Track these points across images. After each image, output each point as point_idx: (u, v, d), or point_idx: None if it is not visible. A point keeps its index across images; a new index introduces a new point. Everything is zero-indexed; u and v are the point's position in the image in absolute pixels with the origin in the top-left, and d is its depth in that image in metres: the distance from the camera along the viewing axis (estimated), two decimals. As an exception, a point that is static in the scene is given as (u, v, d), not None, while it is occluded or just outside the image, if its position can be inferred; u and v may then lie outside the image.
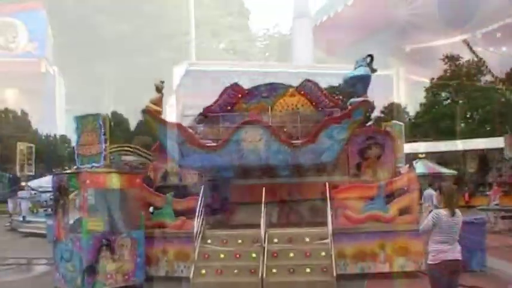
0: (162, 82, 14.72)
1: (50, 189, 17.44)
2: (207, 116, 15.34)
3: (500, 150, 32.08)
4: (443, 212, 7.51)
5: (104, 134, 12.93)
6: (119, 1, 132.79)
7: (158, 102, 14.50)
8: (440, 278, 7.46)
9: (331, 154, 13.46)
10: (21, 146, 32.84)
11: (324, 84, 26.52)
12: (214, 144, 14.11)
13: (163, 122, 14.06)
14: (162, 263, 13.19)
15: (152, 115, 14.02)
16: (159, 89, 14.57)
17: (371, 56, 14.27)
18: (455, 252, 7.51)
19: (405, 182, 13.08)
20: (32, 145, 34.57)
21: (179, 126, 14.05)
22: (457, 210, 7.66)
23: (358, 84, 14.08)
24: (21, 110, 79.82)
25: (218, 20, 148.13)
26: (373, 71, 14.19)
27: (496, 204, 27.19)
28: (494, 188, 32.96)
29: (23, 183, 33.47)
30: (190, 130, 14.38)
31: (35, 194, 31.38)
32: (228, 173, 13.69)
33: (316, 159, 13.46)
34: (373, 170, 15.18)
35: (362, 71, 14.07)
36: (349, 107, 13.99)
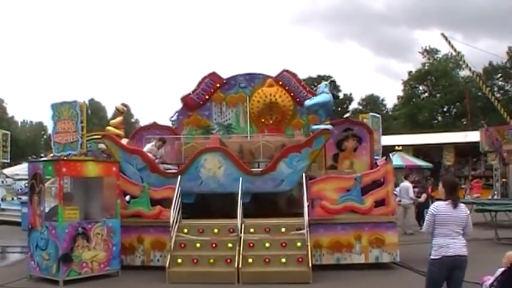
0: (124, 105, 14.77)
1: (25, 177, 17.32)
2: (165, 141, 15.31)
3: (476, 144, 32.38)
4: (443, 204, 7.02)
5: (81, 122, 12.85)
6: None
7: (119, 125, 14.53)
8: (437, 274, 7.02)
9: (290, 183, 13.63)
10: (-3, 133, 32.41)
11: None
12: (175, 171, 14.33)
13: (124, 148, 14.14)
14: (138, 252, 13.16)
15: (112, 140, 14.05)
16: (120, 112, 14.59)
17: (333, 81, 14.38)
18: (458, 247, 6.91)
19: (382, 174, 13.15)
20: (7, 132, 34.17)
21: (140, 152, 14.19)
22: (461, 203, 7.14)
23: (320, 110, 14.11)
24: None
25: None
26: (335, 97, 14.27)
27: (477, 197, 27.63)
28: (473, 182, 33.42)
29: (-2, 171, 33.11)
30: (150, 154, 14.46)
31: (10, 181, 31.09)
32: (188, 199, 13.71)
33: (275, 188, 13.66)
34: (350, 162, 15.25)
35: (324, 97, 14.07)
36: (310, 135, 14.04)
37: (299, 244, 11.89)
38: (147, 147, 14.82)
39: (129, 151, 14.04)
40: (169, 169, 14.53)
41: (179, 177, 13.35)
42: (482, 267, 8.70)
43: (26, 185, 16.76)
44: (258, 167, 14.44)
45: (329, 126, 13.85)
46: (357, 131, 15.50)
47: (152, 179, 13.75)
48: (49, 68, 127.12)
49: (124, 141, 14.62)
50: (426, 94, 68.44)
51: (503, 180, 27.39)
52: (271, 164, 13.78)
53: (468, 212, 7.19)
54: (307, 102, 14.43)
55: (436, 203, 7.13)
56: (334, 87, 14.53)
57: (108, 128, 14.55)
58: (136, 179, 13.79)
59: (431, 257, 7.08)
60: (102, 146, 17.96)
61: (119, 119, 14.59)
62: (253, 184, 13.49)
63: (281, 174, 13.51)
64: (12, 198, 28.56)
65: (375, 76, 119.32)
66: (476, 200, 24.75)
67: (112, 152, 14.19)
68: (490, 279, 7.74)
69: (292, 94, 15.82)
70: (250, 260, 11.62)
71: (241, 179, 13.21)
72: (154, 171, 13.89)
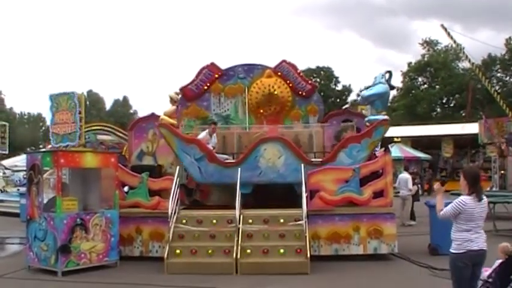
0: (178, 94, 14.57)
1: (24, 168, 17.29)
2: (216, 123, 15.18)
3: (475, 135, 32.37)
4: (469, 200, 6.69)
5: (80, 113, 12.81)
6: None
7: (172, 114, 14.37)
8: (464, 268, 6.74)
9: None
10: (-5, 125, 32.43)
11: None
12: (233, 160, 14.22)
13: (181, 137, 14.04)
14: (136, 243, 13.17)
15: (169, 129, 13.94)
16: (173, 101, 14.41)
17: (390, 72, 14.26)
18: (481, 242, 6.73)
19: (380, 165, 13.14)
20: (5, 123, 34.16)
21: (197, 141, 14.02)
22: (484, 196, 6.86)
23: (377, 101, 14.05)
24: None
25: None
26: (392, 87, 14.22)
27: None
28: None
29: (-4, 162, 33.12)
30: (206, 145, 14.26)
31: (9, 173, 31.10)
32: (246, 189, 13.59)
33: None
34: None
35: (381, 88, 14.02)
36: (369, 126, 13.94)
37: (297, 235, 11.90)
38: (201, 136, 14.60)
39: (187, 140, 13.88)
40: (227, 159, 14.39)
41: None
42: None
43: (25, 176, 16.71)
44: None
45: (387, 117, 13.84)
46: (356, 122, 15.48)
47: (210, 169, 13.68)
48: (47, 59, 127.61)
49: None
50: (425, 86, 68.41)
51: (502, 172, 27.37)
52: (331, 154, 13.71)
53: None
54: (364, 93, 14.44)
55: (463, 199, 6.75)
56: (390, 77, 14.48)
57: (162, 117, 14.36)
58: (194, 170, 13.76)
59: (454, 251, 6.83)
60: (101, 137, 17.97)
61: (173, 108, 14.39)
62: None
63: (341, 164, 13.36)
64: (11, 189, 28.56)
65: (374, 67, 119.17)
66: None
67: (168, 141, 13.99)
68: (488, 271, 7.75)
69: (291, 85, 15.77)
70: (248, 251, 11.62)
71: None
72: (213, 161, 13.74)
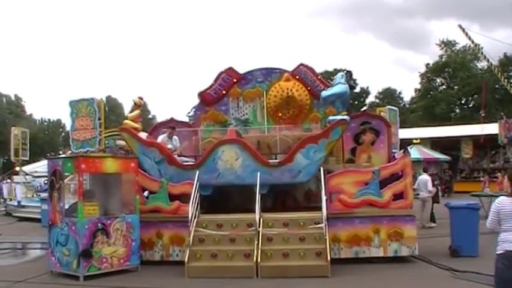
0: (141, 98, 14.75)
1: (44, 174, 17.45)
2: (175, 128, 15.34)
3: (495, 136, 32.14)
4: (507, 200, 6.62)
5: (99, 119, 12.93)
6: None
7: (136, 118, 14.52)
8: (504, 271, 6.58)
9: (307, 174, 13.52)
10: (16, 131, 32.72)
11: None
12: (192, 163, 14.34)
13: (141, 141, 14.15)
14: (157, 247, 13.21)
15: (130, 133, 14.07)
16: (137, 105, 14.58)
17: (349, 72, 14.29)
18: None
19: (400, 167, 13.10)
20: (26, 130, 34.48)
21: (157, 145, 14.18)
22: None
23: (337, 101, 14.05)
24: (15, 95, 78.85)
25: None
26: (352, 87, 14.19)
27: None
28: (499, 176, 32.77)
29: (18, 168, 33.45)
30: (166, 148, 14.43)
31: (30, 179, 31.41)
32: (206, 191, 13.70)
33: (293, 179, 13.56)
34: (367, 155, 15.19)
35: (340, 88, 14.01)
36: (327, 126, 13.96)
37: (317, 238, 11.89)
38: (160, 139, 14.82)
39: (147, 144, 14.04)
40: (187, 161, 14.54)
41: (197, 171, 13.37)
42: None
43: (45, 182, 16.88)
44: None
45: (346, 117, 13.79)
46: (374, 125, 15.40)
47: (170, 172, 13.77)
48: (66, 66, 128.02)
49: (143, 135, 14.61)
50: (444, 86, 68.03)
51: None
52: (288, 155, 13.71)
53: None
54: (324, 93, 14.39)
55: (500, 199, 6.74)
56: (350, 77, 14.47)
57: (126, 121, 14.56)
58: (154, 172, 13.83)
59: (496, 252, 6.74)
60: (120, 142, 18.08)
61: (136, 112, 14.59)
62: (270, 175, 13.45)
63: (298, 165, 13.43)
64: (32, 195, 28.83)
65: (391, 68, 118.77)
66: (495, 193, 24.48)
67: (129, 145, 14.21)
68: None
69: (309, 88, 15.80)
70: (268, 254, 11.64)
71: (259, 173, 13.16)
72: (172, 163, 13.87)
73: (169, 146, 14.72)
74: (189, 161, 14.69)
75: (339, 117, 13.72)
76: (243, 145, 13.75)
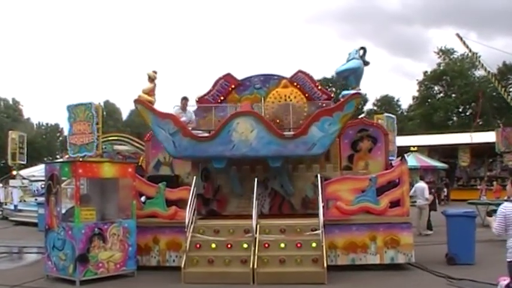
0: (155, 72, 14.66)
1: (41, 178, 17.44)
2: (188, 99, 15.29)
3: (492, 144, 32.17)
4: (509, 205, 6.79)
5: (97, 123, 12.93)
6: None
7: (150, 92, 14.45)
8: None
9: (322, 146, 13.44)
10: (13, 135, 32.68)
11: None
12: (207, 134, 14.16)
13: (156, 113, 14.05)
14: (153, 253, 13.22)
15: (144, 105, 13.99)
16: (151, 79, 14.52)
17: (364, 48, 14.27)
18: None
19: (397, 175, 13.13)
20: (23, 134, 34.44)
21: (172, 116, 14.04)
22: None
23: (351, 76, 14.04)
24: (13, 99, 78.66)
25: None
26: (366, 63, 14.19)
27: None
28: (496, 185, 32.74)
29: (15, 172, 33.40)
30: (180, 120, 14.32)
31: (27, 183, 31.39)
32: (219, 164, 13.65)
33: (307, 151, 13.45)
34: (365, 163, 15.21)
35: (355, 63, 14.03)
36: (341, 100, 13.96)
37: (314, 245, 11.89)
38: (173, 112, 14.69)
39: (161, 116, 13.85)
40: (202, 134, 14.37)
41: (194, 177, 13.31)
42: (498, 267, 8.65)
43: (42, 186, 16.88)
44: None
45: (360, 91, 13.86)
46: (371, 132, 15.42)
47: (184, 143, 13.58)
48: (65, 70, 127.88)
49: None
50: (441, 94, 68.17)
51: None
52: (302, 128, 13.57)
53: None
54: (338, 68, 14.38)
55: (504, 205, 6.85)
56: (364, 53, 14.41)
57: (140, 94, 14.46)
58: (168, 144, 13.71)
59: (507, 259, 6.85)
60: (117, 147, 18.08)
61: (150, 85, 14.45)
62: (285, 148, 13.31)
63: (313, 137, 13.27)
64: (30, 199, 28.80)
65: (389, 76, 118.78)
66: (492, 201, 24.51)
67: (144, 117, 14.09)
68: (506, 280, 7.70)
69: (307, 95, 15.79)
70: (265, 260, 11.64)
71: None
72: (187, 135, 13.65)
73: (184, 118, 14.65)
74: (204, 133, 14.49)
75: (353, 91, 13.74)
76: (258, 117, 13.63)
